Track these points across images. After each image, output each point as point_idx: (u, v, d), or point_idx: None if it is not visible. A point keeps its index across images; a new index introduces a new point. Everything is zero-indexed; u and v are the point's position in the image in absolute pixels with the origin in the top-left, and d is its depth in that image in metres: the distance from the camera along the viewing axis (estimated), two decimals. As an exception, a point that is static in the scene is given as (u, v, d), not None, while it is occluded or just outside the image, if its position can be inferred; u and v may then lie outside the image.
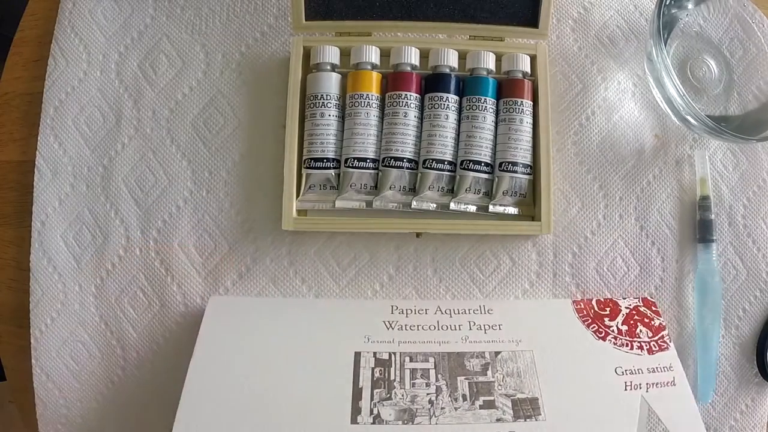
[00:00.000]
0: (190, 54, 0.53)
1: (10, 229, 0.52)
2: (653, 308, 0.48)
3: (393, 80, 0.49)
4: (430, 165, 0.48)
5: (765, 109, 0.51)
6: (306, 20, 0.49)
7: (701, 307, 0.49)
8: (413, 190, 0.49)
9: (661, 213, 0.51)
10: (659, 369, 0.44)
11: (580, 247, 0.50)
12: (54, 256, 0.50)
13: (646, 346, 0.45)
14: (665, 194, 0.51)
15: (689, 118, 0.47)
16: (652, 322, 0.46)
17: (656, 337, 0.46)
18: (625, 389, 0.42)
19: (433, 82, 0.49)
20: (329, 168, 0.48)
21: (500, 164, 0.48)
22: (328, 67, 0.49)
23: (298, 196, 0.48)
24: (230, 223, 0.50)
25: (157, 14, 0.53)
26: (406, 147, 0.48)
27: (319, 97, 0.49)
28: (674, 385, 0.43)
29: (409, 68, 0.49)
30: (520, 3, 0.49)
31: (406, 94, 0.48)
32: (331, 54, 0.49)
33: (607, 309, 0.47)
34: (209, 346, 0.44)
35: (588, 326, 0.46)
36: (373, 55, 0.49)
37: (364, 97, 0.48)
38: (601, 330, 0.46)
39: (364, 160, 0.48)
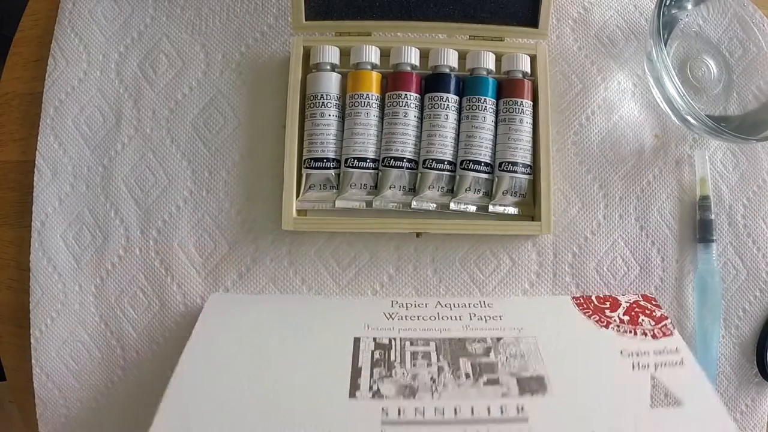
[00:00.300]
0: (190, 54, 0.53)
1: (10, 229, 0.52)
2: (653, 302, 0.47)
3: (393, 80, 0.49)
4: (430, 165, 0.48)
5: (765, 109, 0.51)
6: (306, 20, 0.49)
7: (701, 307, 0.49)
8: (413, 190, 0.49)
9: (661, 213, 0.51)
10: (666, 351, 0.42)
11: (580, 247, 0.50)
12: (54, 256, 0.50)
13: (650, 332, 0.43)
14: (665, 194, 0.51)
15: (689, 118, 0.47)
16: (654, 313, 0.46)
17: (659, 325, 0.44)
18: (633, 369, 0.40)
19: (433, 82, 0.49)
20: (329, 168, 0.48)
21: (500, 164, 0.48)
22: (328, 67, 0.49)
23: (298, 196, 0.48)
24: (230, 223, 0.50)
25: (157, 14, 0.53)
26: (406, 147, 0.48)
27: (319, 97, 0.49)
28: (682, 365, 0.41)
29: (409, 68, 0.49)
30: (520, 3, 0.49)
31: (406, 94, 0.48)
32: (331, 54, 0.49)
33: (607, 303, 0.47)
34: (204, 335, 0.43)
35: (589, 317, 0.45)
36: (373, 55, 0.49)
37: (364, 97, 0.48)
38: (602, 320, 0.45)
39: (364, 160, 0.48)
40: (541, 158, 0.48)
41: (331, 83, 0.49)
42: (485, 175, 0.48)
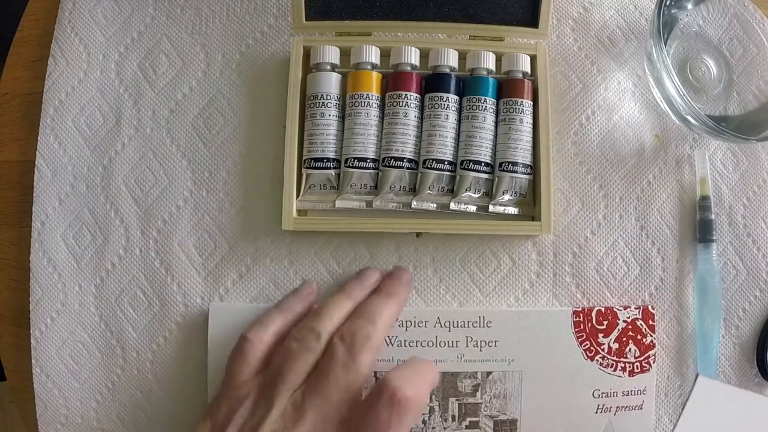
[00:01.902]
0: (190, 54, 0.53)
1: (10, 229, 0.52)
2: (650, 322, 0.48)
3: (393, 80, 0.49)
4: (430, 165, 0.48)
5: (765, 109, 0.51)
6: (306, 20, 0.49)
7: (701, 307, 0.49)
8: (413, 190, 0.49)
9: (661, 213, 0.51)
10: (633, 392, 0.48)
11: (580, 247, 0.50)
12: (54, 256, 0.50)
13: (629, 367, 0.48)
14: (665, 194, 0.51)
15: (689, 118, 0.47)
16: (644, 340, 0.48)
17: (642, 357, 0.48)
18: (596, 412, 0.47)
19: (433, 82, 0.49)
20: (329, 168, 0.48)
21: (500, 164, 0.48)
22: (328, 67, 0.49)
23: (298, 196, 0.48)
24: (230, 223, 0.50)
25: (157, 14, 0.53)
26: (406, 147, 0.48)
27: (319, 97, 0.49)
28: (641, 409, 0.48)
29: (409, 68, 0.49)
30: (520, 3, 0.49)
31: (406, 94, 0.48)
32: (331, 54, 0.49)
33: (605, 323, 0.48)
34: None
35: (581, 343, 0.48)
36: (373, 55, 0.49)
37: (364, 97, 0.48)
38: (592, 349, 0.48)
39: (364, 160, 0.48)
40: (541, 158, 0.48)
41: (331, 83, 0.49)
42: (485, 175, 0.48)
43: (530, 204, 0.49)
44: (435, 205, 0.48)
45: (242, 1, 0.53)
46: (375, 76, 0.49)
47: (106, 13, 0.53)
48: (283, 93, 0.49)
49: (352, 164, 0.48)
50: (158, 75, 0.52)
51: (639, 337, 0.48)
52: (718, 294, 0.49)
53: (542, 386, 0.47)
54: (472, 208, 0.48)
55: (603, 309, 0.49)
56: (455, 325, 0.48)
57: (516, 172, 0.48)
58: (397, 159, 0.48)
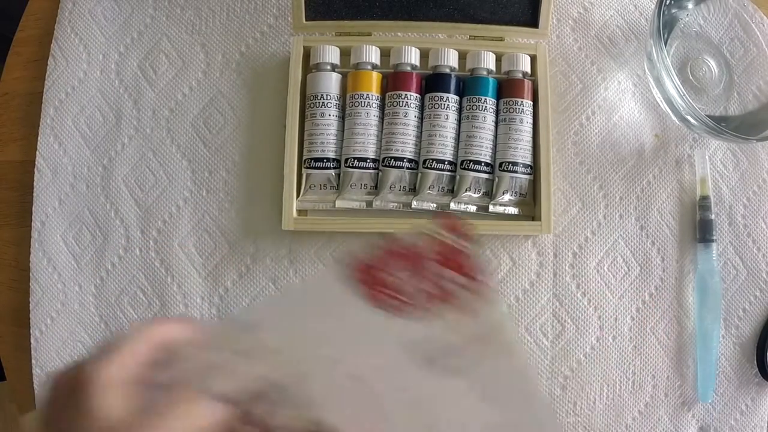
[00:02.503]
0: (190, 54, 0.53)
1: (10, 229, 0.52)
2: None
3: (393, 80, 0.49)
4: (431, 165, 0.48)
5: (765, 109, 0.51)
6: (306, 20, 0.49)
7: (701, 307, 0.49)
8: (413, 190, 0.49)
9: (661, 213, 0.51)
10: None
11: (580, 247, 0.50)
12: (54, 256, 0.50)
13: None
14: (665, 194, 0.51)
15: (689, 118, 0.47)
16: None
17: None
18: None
19: (433, 82, 0.49)
20: (329, 168, 0.48)
21: (500, 164, 0.48)
22: (328, 67, 0.49)
23: (298, 196, 0.48)
24: (230, 223, 0.50)
25: (157, 14, 0.53)
26: (406, 147, 0.48)
27: (319, 97, 0.49)
28: None
29: (409, 68, 0.49)
30: (520, 3, 0.49)
31: (406, 94, 0.48)
32: (331, 54, 0.49)
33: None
34: None
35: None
36: (373, 55, 0.49)
37: (365, 97, 0.48)
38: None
39: (365, 160, 0.48)
40: (542, 158, 0.48)
41: (331, 83, 0.49)
42: (485, 175, 0.48)
43: (530, 204, 0.49)
44: (435, 205, 0.48)
45: (242, 1, 0.53)
46: (375, 76, 0.49)
47: (106, 13, 0.53)
48: (283, 93, 0.49)
49: (352, 164, 0.48)
50: (158, 75, 0.52)
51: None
52: (718, 294, 0.49)
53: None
54: (472, 208, 0.48)
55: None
56: None
57: (516, 172, 0.48)
58: (397, 159, 0.48)
